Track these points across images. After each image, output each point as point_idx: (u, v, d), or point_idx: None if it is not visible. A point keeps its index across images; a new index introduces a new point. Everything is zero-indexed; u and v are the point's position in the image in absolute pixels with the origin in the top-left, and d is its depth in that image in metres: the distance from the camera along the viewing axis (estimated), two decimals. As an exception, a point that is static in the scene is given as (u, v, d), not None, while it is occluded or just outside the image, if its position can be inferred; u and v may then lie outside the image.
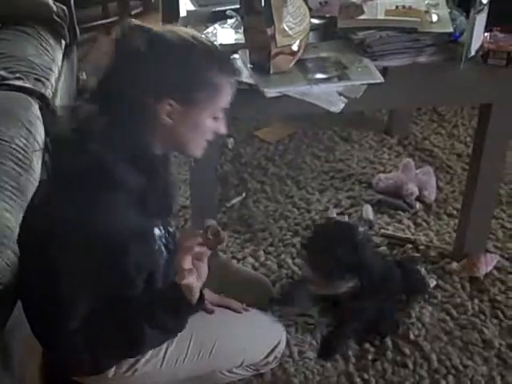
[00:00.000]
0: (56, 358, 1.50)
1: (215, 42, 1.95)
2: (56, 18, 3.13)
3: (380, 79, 1.82)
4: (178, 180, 2.69)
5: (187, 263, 1.37)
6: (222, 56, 1.39)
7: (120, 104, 1.29)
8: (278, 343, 1.77)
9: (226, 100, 1.39)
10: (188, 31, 1.35)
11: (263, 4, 1.70)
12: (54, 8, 3.13)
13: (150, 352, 1.52)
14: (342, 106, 1.79)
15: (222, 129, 1.43)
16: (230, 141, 3.12)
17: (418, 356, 2.02)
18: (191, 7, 2.22)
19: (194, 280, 1.38)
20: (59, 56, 3.05)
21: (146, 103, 1.29)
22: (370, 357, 2.02)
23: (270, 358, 1.75)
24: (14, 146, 2.11)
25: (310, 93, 1.79)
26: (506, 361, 2.01)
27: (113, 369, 1.50)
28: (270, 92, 1.76)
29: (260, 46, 1.76)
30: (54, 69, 2.85)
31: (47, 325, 1.39)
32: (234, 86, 1.41)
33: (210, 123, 1.38)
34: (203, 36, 1.40)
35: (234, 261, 2.41)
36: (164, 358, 1.54)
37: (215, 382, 1.69)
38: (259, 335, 1.73)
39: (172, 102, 1.29)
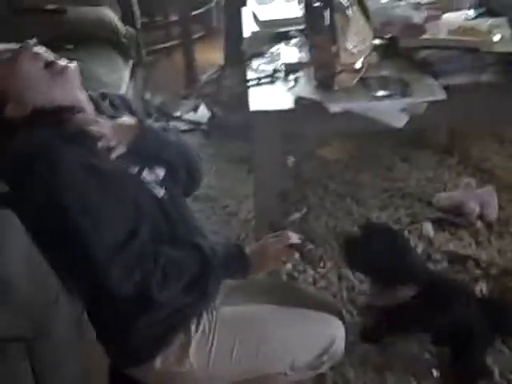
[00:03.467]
0: (113, 347, 1.55)
1: (279, 61, 2.02)
2: (124, 39, 3.26)
3: (443, 96, 1.84)
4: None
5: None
6: None
7: None
8: (333, 341, 1.65)
9: (36, 52, 1.44)
10: None
11: (328, 23, 1.75)
12: (123, 30, 3.27)
13: (195, 347, 1.54)
14: (404, 121, 1.82)
15: (59, 68, 1.45)
16: (291, 159, 3.18)
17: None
18: (255, 28, 2.29)
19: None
20: (126, 76, 3.17)
21: None
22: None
23: (325, 358, 1.64)
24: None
25: (372, 109, 1.82)
26: None
27: (159, 360, 1.52)
28: (334, 108, 1.80)
29: (324, 64, 1.82)
30: (122, 87, 2.97)
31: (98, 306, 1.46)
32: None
33: (42, 73, 1.43)
34: None
35: (296, 273, 2.45)
36: (209, 355, 1.54)
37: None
38: (309, 335, 1.63)
39: None
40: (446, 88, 1.88)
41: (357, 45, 1.81)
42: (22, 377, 1.33)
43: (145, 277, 1.38)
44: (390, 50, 2.04)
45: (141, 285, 1.38)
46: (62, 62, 1.45)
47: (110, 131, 1.44)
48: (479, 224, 2.70)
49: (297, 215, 2.82)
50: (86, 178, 1.34)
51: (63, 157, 1.32)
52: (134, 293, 1.38)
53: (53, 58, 1.45)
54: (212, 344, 1.55)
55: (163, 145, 1.55)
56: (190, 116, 3.80)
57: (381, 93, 1.85)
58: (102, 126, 1.44)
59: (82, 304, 1.53)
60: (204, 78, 4.14)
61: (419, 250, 2.54)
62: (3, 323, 1.31)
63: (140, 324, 1.49)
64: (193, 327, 1.56)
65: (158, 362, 1.53)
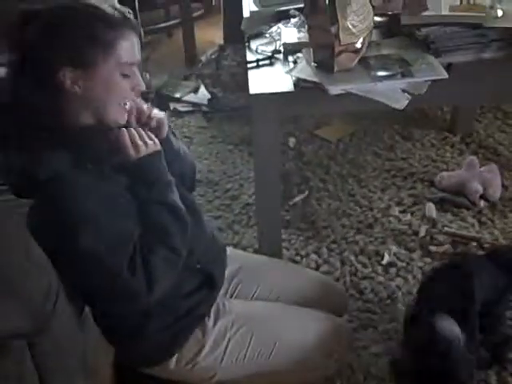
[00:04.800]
0: (124, 350, 1.56)
1: (279, 41, 1.99)
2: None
3: (444, 75, 1.81)
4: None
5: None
6: (105, 12, 1.34)
7: (27, 83, 1.30)
8: (341, 342, 1.69)
9: (129, 54, 1.36)
10: None
11: (327, 2, 1.72)
12: (121, 10, 3.22)
13: (210, 345, 1.54)
14: (405, 102, 1.79)
15: (140, 85, 1.40)
16: (292, 140, 3.15)
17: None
18: (254, 8, 2.25)
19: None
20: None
21: (47, 77, 1.30)
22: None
23: (334, 357, 1.66)
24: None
25: (373, 90, 1.79)
26: None
27: (174, 359, 1.53)
28: (334, 89, 1.77)
29: (324, 45, 1.78)
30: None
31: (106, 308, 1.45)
32: (134, 38, 1.37)
33: (121, 81, 1.35)
34: None
35: (298, 257, 2.44)
36: (224, 353, 1.55)
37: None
38: (320, 336, 1.64)
39: (69, 69, 1.29)
40: (449, 66, 1.85)
41: (357, 24, 1.77)
42: (26, 373, 1.32)
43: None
44: (391, 28, 2.00)
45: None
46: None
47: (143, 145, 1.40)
48: (482, 204, 2.68)
49: (299, 198, 2.80)
50: (96, 208, 1.31)
51: (78, 192, 1.30)
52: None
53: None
54: (228, 340, 1.55)
55: (176, 155, 1.54)
56: (191, 97, 3.76)
57: (381, 73, 1.82)
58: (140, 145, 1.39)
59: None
60: (204, 58, 4.10)
61: (422, 231, 2.53)
62: (3, 319, 1.30)
63: (150, 329, 1.49)
64: (209, 323, 1.56)
65: (172, 363, 1.53)
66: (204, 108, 3.64)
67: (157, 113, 1.47)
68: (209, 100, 3.66)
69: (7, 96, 1.33)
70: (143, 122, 1.44)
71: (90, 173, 1.32)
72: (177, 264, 1.41)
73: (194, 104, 3.70)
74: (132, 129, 1.39)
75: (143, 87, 1.41)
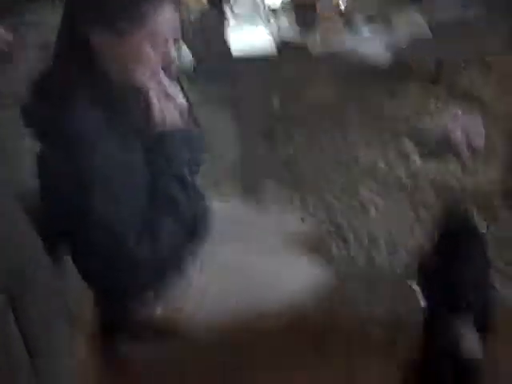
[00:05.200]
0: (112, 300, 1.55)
1: (261, 3, 1.97)
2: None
3: (427, 32, 1.81)
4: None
5: None
6: None
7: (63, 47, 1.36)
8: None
9: (163, 28, 1.37)
10: None
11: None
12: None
13: (194, 290, 1.55)
14: (388, 59, 1.80)
15: (168, 57, 1.40)
16: (276, 100, 3.14)
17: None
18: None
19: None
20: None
21: (80, 38, 1.33)
22: None
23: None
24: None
25: (356, 48, 1.80)
26: None
27: (160, 307, 1.54)
28: (317, 50, 1.77)
29: (307, 6, 1.78)
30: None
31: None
32: (172, 13, 1.38)
33: (150, 51, 1.36)
34: None
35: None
36: (206, 296, 1.55)
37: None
38: (295, 275, 1.67)
39: (102, 35, 1.32)
40: (433, 24, 1.85)
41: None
42: (9, 331, 1.34)
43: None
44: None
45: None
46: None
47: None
48: (466, 153, 2.70)
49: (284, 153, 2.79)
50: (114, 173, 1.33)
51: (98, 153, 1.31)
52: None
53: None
54: (208, 284, 1.56)
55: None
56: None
57: (365, 32, 1.82)
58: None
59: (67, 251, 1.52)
60: (188, 19, 4.04)
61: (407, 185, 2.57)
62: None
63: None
64: (190, 270, 1.56)
65: (158, 309, 1.54)
66: (187, 68, 3.60)
67: (180, 98, 1.46)
68: (192, 61, 3.62)
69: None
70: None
71: (114, 136, 1.34)
72: (181, 235, 1.45)
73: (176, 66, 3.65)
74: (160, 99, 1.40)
75: (171, 60, 1.41)
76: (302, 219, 2.43)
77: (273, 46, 1.80)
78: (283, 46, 1.79)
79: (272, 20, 1.90)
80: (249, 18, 1.93)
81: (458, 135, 2.72)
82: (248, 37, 1.86)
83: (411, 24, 1.83)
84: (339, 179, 2.65)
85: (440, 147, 2.75)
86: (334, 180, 2.65)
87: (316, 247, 1.81)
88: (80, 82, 1.34)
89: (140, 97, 1.39)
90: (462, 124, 2.79)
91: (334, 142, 2.88)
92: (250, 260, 1.66)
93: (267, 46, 1.81)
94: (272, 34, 1.83)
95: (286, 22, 1.85)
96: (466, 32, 1.87)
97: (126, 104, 1.38)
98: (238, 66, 1.84)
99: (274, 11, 1.92)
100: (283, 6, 1.90)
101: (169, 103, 1.43)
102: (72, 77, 1.34)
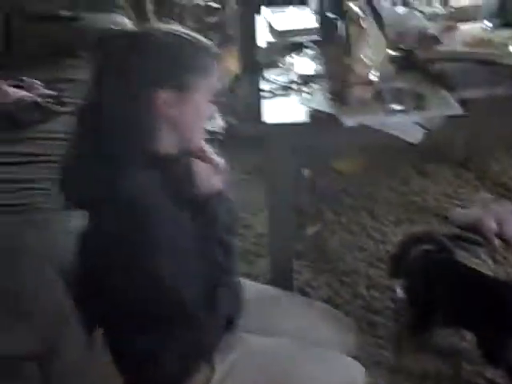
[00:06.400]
0: (133, 379, 1.50)
1: (293, 72, 2.01)
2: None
3: (459, 110, 1.81)
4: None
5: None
6: (202, 41, 1.40)
7: (111, 112, 1.32)
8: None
9: (215, 81, 1.42)
10: (169, 26, 1.39)
11: (343, 35, 1.74)
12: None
13: (217, 380, 1.49)
14: (420, 137, 1.80)
15: (213, 112, 1.47)
16: (306, 171, 3.15)
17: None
18: (271, 39, 2.28)
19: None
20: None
21: (143, 99, 1.32)
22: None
23: None
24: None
25: (387, 123, 1.80)
26: None
27: None
28: (348, 121, 1.77)
29: (338, 76, 1.80)
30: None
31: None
32: (217, 67, 1.43)
33: (207, 107, 1.42)
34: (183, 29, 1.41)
35: (309, 289, 2.42)
36: None
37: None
38: (330, 375, 1.57)
39: (168, 92, 1.32)
40: (462, 102, 1.85)
41: (371, 56, 1.79)
42: None
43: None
44: (405, 62, 2.01)
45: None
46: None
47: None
48: (497, 242, 2.65)
49: (312, 230, 2.79)
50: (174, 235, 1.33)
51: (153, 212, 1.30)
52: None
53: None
54: (235, 377, 1.50)
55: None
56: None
57: (395, 106, 1.82)
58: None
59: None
60: (220, 86, 4.12)
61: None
62: (16, 339, 1.30)
63: (163, 358, 1.44)
64: (218, 357, 1.51)
65: None
66: (219, 136, 3.65)
67: (217, 158, 1.49)
68: (224, 128, 3.68)
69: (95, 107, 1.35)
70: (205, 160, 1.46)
71: (168, 201, 1.33)
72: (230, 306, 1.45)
73: (209, 132, 3.71)
74: (203, 162, 1.43)
75: (213, 115, 1.49)
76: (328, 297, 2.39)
77: (305, 115, 1.81)
78: (314, 115, 1.80)
79: (304, 89, 1.92)
80: (281, 86, 1.95)
81: (488, 222, 2.69)
82: (280, 105, 1.88)
83: (442, 102, 1.83)
84: (366, 257, 2.62)
85: (470, 234, 2.71)
86: (361, 258, 2.62)
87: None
88: (135, 147, 1.33)
89: (186, 161, 1.41)
90: (492, 211, 2.76)
91: (361, 217, 2.87)
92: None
93: (299, 114, 1.82)
94: (304, 102, 1.85)
95: (318, 92, 1.87)
96: (496, 112, 1.86)
97: (174, 169, 1.38)
98: (267, 134, 1.85)
99: (306, 80, 1.94)
100: (316, 75, 1.93)
101: (211, 166, 1.45)
102: (127, 143, 1.32)
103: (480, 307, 1.95)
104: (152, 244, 1.28)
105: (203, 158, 1.45)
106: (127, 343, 1.46)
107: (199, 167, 1.41)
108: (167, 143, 1.38)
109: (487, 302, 1.94)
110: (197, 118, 1.41)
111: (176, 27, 1.40)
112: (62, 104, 2.66)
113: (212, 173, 1.44)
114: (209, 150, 1.48)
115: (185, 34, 1.39)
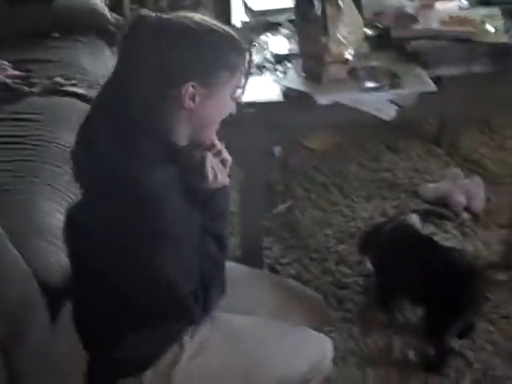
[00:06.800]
0: (106, 360, 1.50)
1: (267, 51, 1.98)
2: (112, 27, 3.21)
3: (433, 88, 1.81)
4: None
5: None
6: (233, 37, 1.37)
7: (135, 100, 1.31)
8: (322, 359, 1.67)
9: (241, 78, 1.41)
10: (199, 16, 1.35)
11: (319, 14, 1.71)
12: (111, 19, 3.22)
13: (186, 358, 1.51)
14: (393, 114, 1.79)
15: (234, 108, 1.43)
16: (277, 149, 3.14)
17: (462, 365, 2.02)
18: (246, 18, 2.24)
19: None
20: (112, 64, 3.12)
21: (167, 91, 1.30)
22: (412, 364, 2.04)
23: (313, 374, 1.63)
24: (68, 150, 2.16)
25: (361, 101, 1.79)
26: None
27: (149, 372, 1.48)
28: (322, 99, 1.77)
29: (314, 55, 1.78)
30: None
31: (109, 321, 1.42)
32: (245, 65, 1.42)
33: (229, 103, 1.40)
34: (213, 20, 1.37)
35: (278, 266, 2.43)
36: (200, 366, 1.51)
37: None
38: (299, 351, 1.62)
39: (195, 85, 1.29)
40: (438, 79, 1.85)
41: (347, 36, 1.77)
42: None
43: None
44: (381, 41, 2.00)
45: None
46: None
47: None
48: (466, 216, 2.69)
49: (282, 207, 2.79)
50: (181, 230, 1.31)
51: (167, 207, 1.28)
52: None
53: None
54: (205, 354, 1.52)
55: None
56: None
57: (370, 84, 1.82)
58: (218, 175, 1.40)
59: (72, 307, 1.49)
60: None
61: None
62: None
63: (131, 339, 1.45)
64: (187, 335, 1.52)
65: (147, 375, 1.49)
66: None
67: (226, 153, 1.47)
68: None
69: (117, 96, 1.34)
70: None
71: (179, 193, 1.32)
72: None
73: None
74: (212, 156, 1.41)
75: (234, 111, 1.43)
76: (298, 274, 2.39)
77: (279, 93, 1.79)
78: (289, 93, 1.78)
79: (279, 67, 1.90)
80: (256, 65, 1.92)
81: (457, 196, 2.72)
82: (254, 83, 1.86)
83: (416, 79, 1.82)
84: (336, 233, 2.62)
85: (439, 208, 2.73)
86: (331, 234, 2.62)
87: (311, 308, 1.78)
88: (156, 138, 1.32)
89: (199, 154, 1.39)
90: (461, 185, 2.79)
91: (332, 194, 2.87)
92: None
93: (273, 93, 1.80)
94: (278, 81, 1.83)
95: (292, 71, 1.85)
96: (471, 90, 1.86)
97: (186, 161, 1.37)
98: (241, 112, 1.83)
99: (281, 59, 1.92)
100: (291, 54, 1.91)
101: (218, 160, 1.43)
102: (148, 133, 1.31)
103: (434, 281, 1.97)
104: (162, 237, 1.28)
105: (214, 152, 1.43)
106: (100, 323, 1.46)
107: (211, 161, 1.39)
108: (183, 135, 1.37)
109: (440, 273, 1.97)
110: (218, 113, 1.39)
111: (207, 18, 1.35)
112: (31, 85, 2.60)
113: (221, 168, 1.42)
114: (220, 145, 1.45)
115: (218, 27, 1.35)
